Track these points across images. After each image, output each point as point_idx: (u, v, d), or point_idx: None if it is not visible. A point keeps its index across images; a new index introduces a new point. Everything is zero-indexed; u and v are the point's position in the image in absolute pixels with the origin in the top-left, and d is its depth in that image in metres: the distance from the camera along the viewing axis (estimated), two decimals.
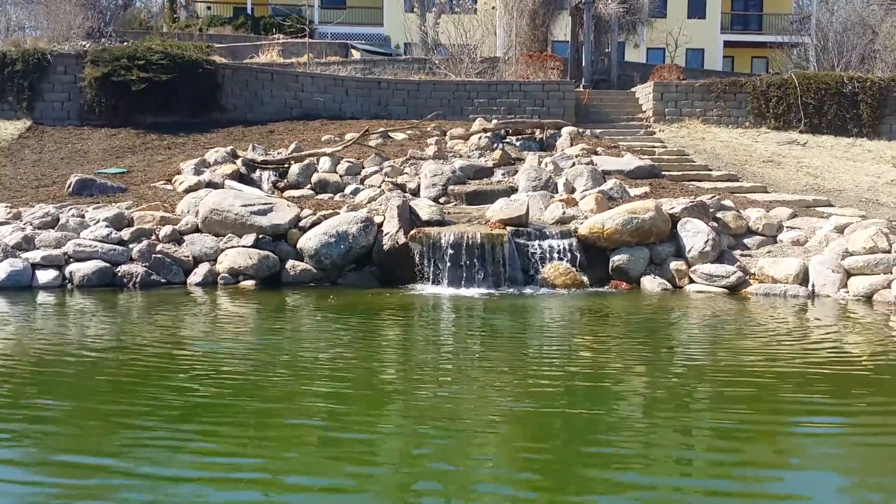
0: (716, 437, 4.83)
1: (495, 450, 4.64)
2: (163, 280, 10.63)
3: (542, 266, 10.94)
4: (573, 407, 5.35)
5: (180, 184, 13.84)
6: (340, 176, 14.92)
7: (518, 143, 17.55)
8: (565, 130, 18.07)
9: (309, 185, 14.56)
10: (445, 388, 5.83)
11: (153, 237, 11.10)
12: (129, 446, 4.53)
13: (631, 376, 6.32)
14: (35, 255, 10.45)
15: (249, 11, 37.65)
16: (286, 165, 15.17)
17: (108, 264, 10.51)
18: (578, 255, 11.09)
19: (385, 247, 10.95)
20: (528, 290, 10.66)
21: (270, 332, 8.22)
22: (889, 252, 10.56)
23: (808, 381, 6.22)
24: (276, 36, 31.72)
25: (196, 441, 4.70)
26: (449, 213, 12.42)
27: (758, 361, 6.84)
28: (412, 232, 10.91)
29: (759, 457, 4.55)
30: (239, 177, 14.35)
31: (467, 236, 10.79)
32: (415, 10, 32.95)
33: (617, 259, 11.15)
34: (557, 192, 13.86)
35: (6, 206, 12.32)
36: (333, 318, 8.98)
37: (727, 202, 12.86)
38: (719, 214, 11.97)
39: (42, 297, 9.74)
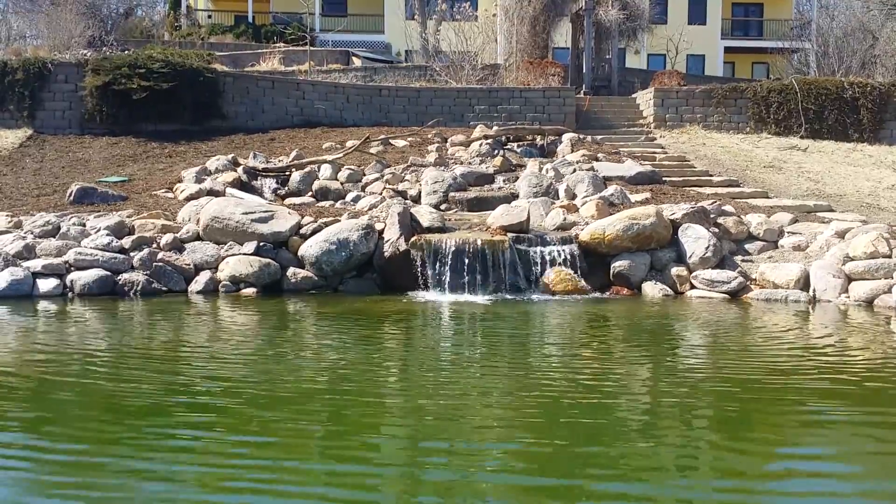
0: (720, 452, 4.76)
1: (498, 463, 4.56)
2: (164, 288, 10.63)
3: (544, 272, 10.94)
4: (576, 420, 5.27)
5: (181, 192, 13.85)
6: (341, 183, 14.93)
7: (519, 150, 17.55)
8: (566, 137, 18.09)
9: (310, 193, 14.56)
10: (447, 402, 5.72)
11: (154, 245, 11.10)
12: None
13: (634, 389, 6.21)
14: (36, 264, 10.45)
15: (251, 20, 37.74)
16: (287, 173, 15.17)
17: (108, 273, 10.51)
18: (579, 262, 11.09)
19: (386, 254, 10.95)
20: (529, 297, 10.65)
21: (269, 342, 8.18)
22: (890, 257, 10.54)
23: (811, 390, 6.15)
24: (277, 44, 31.76)
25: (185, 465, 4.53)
26: (450, 219, 12.42)
27: (759, 369, 6.82)
28: (413, 239, 10.91)
29: (760, 472, 4.52)
30: (240, 185, 14.36)
31: (468, 243, 10.79)
32: (416, 17, 33.00)
33: (618, 265, 11.14)
34: (558, 199, 13.85)
35: (7, 215, 12.32)
36: (333, 327, 8.96)
37: (728, 208, 12.86)
38: (720, 220, 11.96)
39: (42, 305, 9.73)
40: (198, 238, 11.45)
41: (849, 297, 10.44)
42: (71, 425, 5.14)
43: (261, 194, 14.27)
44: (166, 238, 11.21)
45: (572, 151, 17.13)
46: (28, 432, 4.99)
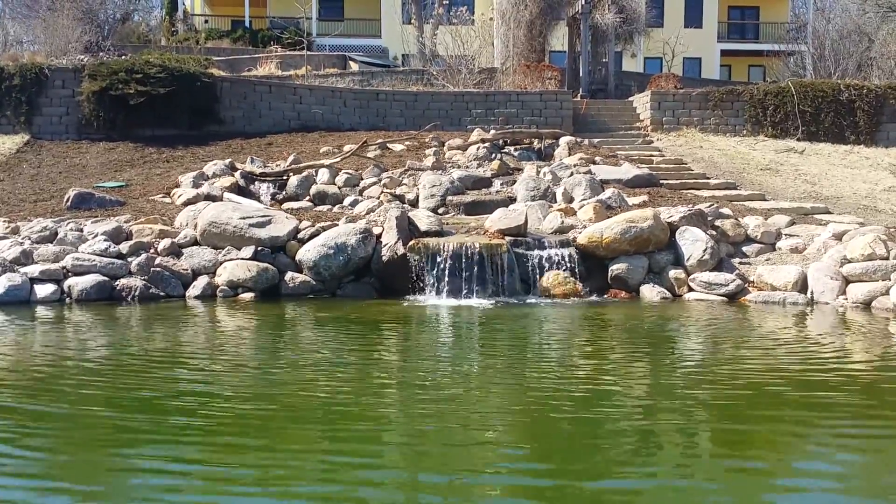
0: (725, 473, 4.65)
1: (497, 474, 4.47)
2: (162, 293, 10.62)
3: (541, 276, 10.94)
4: (576, 441, 5.09)
5: (179, 197, 13.84)
6: (339, 188, 14.93)
7: (516, 154, 17.57)
8: (563, 140, 18.10)
9: (308, 197, 14.57)
10: (445, 419, 5.47)
11: (152, 250, 11.09)
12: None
13: (636, 404, 5.94)
14: (33, 270, 10.43)
15: (247, 24, 37.73)
16: (285, 178, 15.18)
17: (106, 278, 10.49)
18: (577, 265, 11.09)
19: (384, 258, 10.95)
20: (527, 300, 10.65)
21: (265, 351, 8.13)
22: (887, 259, 10.56)
23: (817, 400, 6.07)
24: (274, 48, 31.77)
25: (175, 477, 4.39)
26: (447, 223, 12.42)
27: (762, 376, 6.80)
28: (411, 243, 10.91)
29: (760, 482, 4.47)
30: (237, 189, 14.36)
31: (466, 246, 10.79)
32: (412, 21, 33.04)
33: (616, 268, 11.14)
34: (556, 202, 13.87)
35: (4, 221, 12.32)
36: (331, 333, 8.95)
37: (725, 210, 12.88)
38: (717, 222, 11.97)
39: (40, 311, 9.70)
40: (195, 243, 11.44)
41: (846, 298, 10.45)
42: (47, 447, 4.89)
43: (258, 199, 14.27)
44: (164, 243, 11.20)
45: (569, 155, 17.14)
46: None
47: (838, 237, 11.62)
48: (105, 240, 11.05)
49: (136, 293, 10.42)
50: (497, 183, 15.36)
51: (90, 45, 24.74)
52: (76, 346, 7.96)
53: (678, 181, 16.15)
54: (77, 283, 10.35)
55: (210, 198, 13.38)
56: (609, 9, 25.58)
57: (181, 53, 24.73)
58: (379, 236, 11.22)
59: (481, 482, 4.33)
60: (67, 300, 10.29)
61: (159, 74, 18.37)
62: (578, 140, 18.44)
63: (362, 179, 15.30)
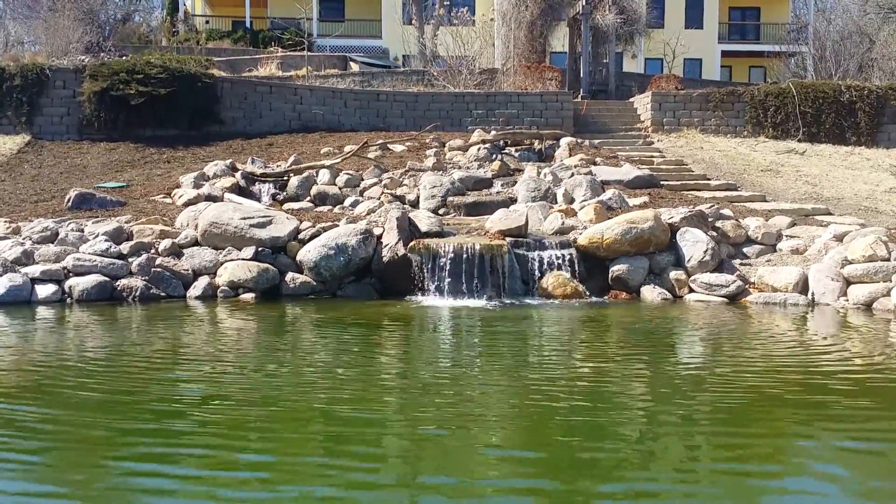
0: (719, 473, 4.65)
1: (499, 489, 4.34)
2: (162, 294, 10.62)
3: (542, 277, 10.94)
4: (577, 434, 5.06)
5: (179, 197, 13.85)
6: (340, 188, 14.94)
7: (517, 154, 17.57)
8: (564, 141, 18.11)
9: (308, 198, 14.57)
10: (445, 429, 5.30)
11: (152, 251, 11.09)
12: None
13: (639, 411, 5.81)
14: (34, 270, 10.43)
15: (248, 25, 37.74)
16: (285, 178, 15.18)
17: (107, 278, 10.49)
18: (578, 266, 11.09)
19: (385, 258, 10.95)
20: (527, 301, 10.64)
21: (263, 353, 8.09)
22: (888, 260, 10.56)
23: (813, 400, 6.07)
24: (274, 49, 31.78)
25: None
26: (448, 224, 12.42)
27: (761, 377, 6.79)
28: (412, 243, 10.91)
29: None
30: (238, 190, 14.37)
31: (467, 247, 10.79)
32: (413, 22, 33.05)
33: (616, 269, 11.14)
34: (556, 203, 13.86)
35: (5, 221, 12.32)
36: (331, 334, 8.94)
37: (726, 211, 12.87)
38: (718, 223, 11.97)
39: (40, 311, 9.69)
40: (196, 243, 11.44)
41: (847, 300, 10.45)
42: (43, 452, 4.80)
43: (259, 199, 14.28)
44: (164, 243, 11.20)
45: (570, 155, 17.14)
46: None
47: (839, 238, 11.61)
48: (106, 240, 11.05)
49: (137, 293, 10.43)
50: (498, 184, 15.37)
51: (91, 46, 24.79)
52: (76, 347, 7.95)
53: (679, 182, 16.15)
54: (78, 284, 10.35)
55: (211, 198, 13.39)
56: (610, 10, 25.58)
57: (182, 54, 24.77)
58: (380, 237, 11.22)
59: (480, 492, 4.28)
60: (68, 300, 10.29)
61: (160, 75, 18.39)
62: (579, 141, 18.45)
63: (363, 180, 15.30)
